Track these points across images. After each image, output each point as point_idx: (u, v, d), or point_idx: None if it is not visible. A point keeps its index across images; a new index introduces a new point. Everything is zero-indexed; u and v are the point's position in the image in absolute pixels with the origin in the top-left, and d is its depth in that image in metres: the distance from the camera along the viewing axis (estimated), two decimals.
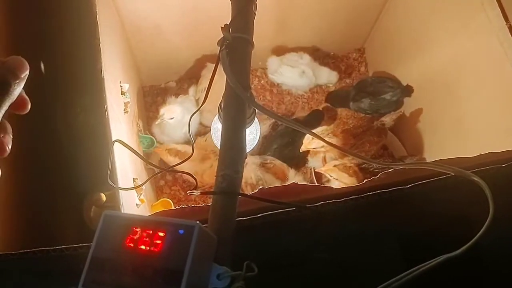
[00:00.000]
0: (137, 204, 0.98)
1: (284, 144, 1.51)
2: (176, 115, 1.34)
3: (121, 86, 1.08)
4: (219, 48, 0.65)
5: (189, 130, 0.77)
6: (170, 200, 1.30)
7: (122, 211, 0.81)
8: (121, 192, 0.83)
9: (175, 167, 0.91)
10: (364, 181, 0.71)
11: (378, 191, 0.64)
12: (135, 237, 0.45)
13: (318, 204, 0.63)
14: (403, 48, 1.51)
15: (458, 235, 0.57)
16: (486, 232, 0.54)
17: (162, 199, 1.30)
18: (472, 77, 1.13)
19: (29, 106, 0.44)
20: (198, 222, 0.44)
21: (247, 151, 1.02)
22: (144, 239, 0.44)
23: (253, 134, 1.03)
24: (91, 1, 0.90)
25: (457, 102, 1.21)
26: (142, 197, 1.00)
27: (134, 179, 1.01)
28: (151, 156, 1.39)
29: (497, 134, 1.07)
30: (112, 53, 1.08)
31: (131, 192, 0.96)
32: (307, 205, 0.62)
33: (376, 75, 1.70)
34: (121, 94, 1.08)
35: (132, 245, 0.44)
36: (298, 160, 1.50)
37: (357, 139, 1.33)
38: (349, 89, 1.61)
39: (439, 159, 0.68)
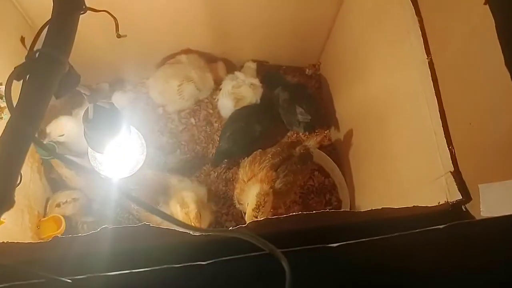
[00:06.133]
0: None
1: (238, 129, 1.42)
2: (68, 129, 1.20)
3: None
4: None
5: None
6: (62, 216, 1.17)
7: None
8: None
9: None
10: None
11: None
12: None
13: None
14: (349, 69, 1.38)
15: None
16: None
17: (52, 215, 1.18)
18: (396, 111, 1.00)
19: None
20: None
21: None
22: None
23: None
24: None
25: (385, 138, 1.07)
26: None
27: None
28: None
29: (415, 175, 0.94)
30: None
31: None
32: None
33: (319, 96, 1.63)
34: None
35: None
36: (255, 146, 1.33)
37: (278, 172, 1.15)
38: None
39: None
